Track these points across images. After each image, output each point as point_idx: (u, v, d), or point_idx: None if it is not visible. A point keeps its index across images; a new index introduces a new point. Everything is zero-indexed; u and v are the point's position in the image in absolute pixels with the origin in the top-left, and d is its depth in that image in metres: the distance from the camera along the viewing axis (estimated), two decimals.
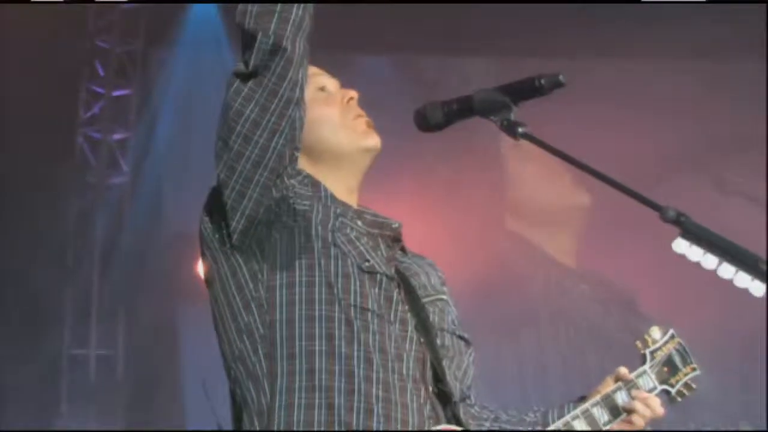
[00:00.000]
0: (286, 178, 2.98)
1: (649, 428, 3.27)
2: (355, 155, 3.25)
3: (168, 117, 9.92)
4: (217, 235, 3.05)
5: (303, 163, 3.21)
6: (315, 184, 3.17)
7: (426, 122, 3.08)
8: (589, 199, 9.80)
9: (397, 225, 3.27)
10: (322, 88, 3.32)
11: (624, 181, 2.72)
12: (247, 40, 2.88)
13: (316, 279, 2.97)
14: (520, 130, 2.91)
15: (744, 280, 2.64)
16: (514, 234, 10.31)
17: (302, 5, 2.87)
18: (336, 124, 3.25)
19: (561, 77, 2.94)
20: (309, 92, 3.22)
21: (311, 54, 3.07)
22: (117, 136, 10.26)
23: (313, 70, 3.32)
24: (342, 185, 3.24)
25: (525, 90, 2.97)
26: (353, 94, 3.31)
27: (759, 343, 8.10)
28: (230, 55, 8.74)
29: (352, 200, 3.26)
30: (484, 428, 3.25)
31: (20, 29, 9.08)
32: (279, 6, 2.84)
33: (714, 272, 2.63)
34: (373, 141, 3.25)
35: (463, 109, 3.03)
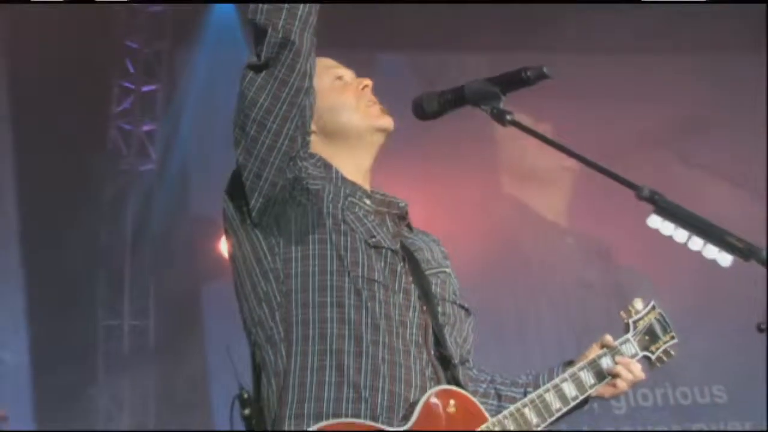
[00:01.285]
0: (298, 161, 3.01)
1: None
2: (369, 135, 3.25)
3: (191, 109, 9.92)
4: (238, 214, 3.07)
5: (320, 147, 3.23)
6: (327, 167, 3.19)
7: (423, 111, 3.10)
8: (575, 164, 9.78)
9: (403, 204, 3.29)
10: (340, 78, 3.32)
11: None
12: (258, 35, 2.89)
13: (328, 252, 2.99)
14: (508, 117, 2.93)
15: (712, 251, 2.65)
16: (510, 196, 10.26)
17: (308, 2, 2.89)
18: (352, 107, 3.26)
19: (545, 69, 2.96)
20: (328, 81, 3.27)
21: (330, 49, 3.09)
22: (146, 128, 10.27)
23: (330, 62, 3.36)
24: (356, 166, 3.25)
25: (513, 81, 2.99)
26: (368, 82, 3.32)
27: (731, 303, 7.96)
28: (247, 52, 8.74)
29: (365, 181, 3.27)
30: (480, 389, 3.26)
31: (59, 31, 9.09)
32: (287, 3, 2.85)
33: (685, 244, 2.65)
34: (386, 121, 3.26)
35: (456, 98, 3.05)
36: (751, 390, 9.46)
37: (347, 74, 3.35)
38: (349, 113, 3.25)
